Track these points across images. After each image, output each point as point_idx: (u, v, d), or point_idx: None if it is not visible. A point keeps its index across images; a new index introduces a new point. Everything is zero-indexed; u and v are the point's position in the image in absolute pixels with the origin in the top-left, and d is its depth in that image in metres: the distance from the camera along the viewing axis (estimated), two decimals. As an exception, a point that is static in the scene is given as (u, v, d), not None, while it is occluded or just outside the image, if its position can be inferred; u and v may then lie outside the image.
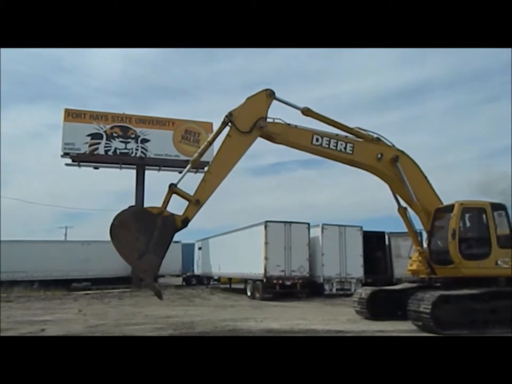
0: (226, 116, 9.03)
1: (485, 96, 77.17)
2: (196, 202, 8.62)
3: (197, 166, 9.07)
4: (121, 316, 11.61)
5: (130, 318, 10.92)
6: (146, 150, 26.05)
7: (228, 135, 9.04)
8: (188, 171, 9.01)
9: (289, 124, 9.59)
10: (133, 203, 25.82)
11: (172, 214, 8.41)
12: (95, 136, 25.34)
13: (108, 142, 25.53)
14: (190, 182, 9.24)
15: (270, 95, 9.26)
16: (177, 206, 8.70)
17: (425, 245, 10.47)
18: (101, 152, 25.34)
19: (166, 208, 8.51)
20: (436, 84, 75.58)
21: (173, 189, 8.60)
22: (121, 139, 25.77)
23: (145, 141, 26.14)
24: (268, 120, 9.35)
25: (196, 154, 9.15)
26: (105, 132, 25.57)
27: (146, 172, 26.59)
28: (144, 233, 8.03)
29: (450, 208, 9.76)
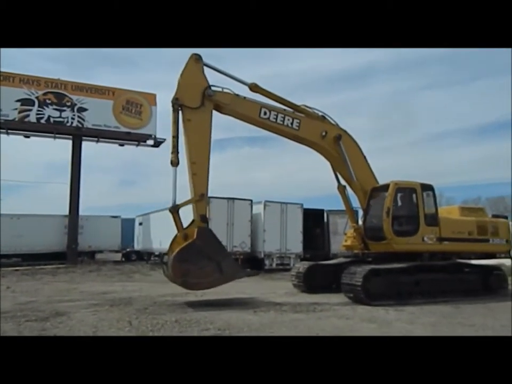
0: (173, 103, 8.79)
1: (424, 83, 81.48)
2: (201, 197, 8.64)
3: (176, 164, 8.76)
4: (55, 292, 11.10)
5: (64, 295, 10.47)
6: (83, 120, 24.48)
7: (185, 119, 8.81)
8: (175, 175, 8.75)
9: (237, 95, 9.52)
10: (68, 175, 24.53)
11: (192, 225, 8.61)
12: (26, 102, 23.33)
13: (40, 109, 23.63)
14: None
15: (197, 59, 9.00)
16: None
17: (360, 222, 11.02)
18: (32, 119, 23.43)
19: (184, 227, 8.68)
20: (379, 68, 78.36)
21: (174, 210, 8.62)
22: (55, 106, 23.95)
23: (82, 109, 24.52)
24: (216, 89, 9.20)
25: (171, 155, 8.75)
26: (37, 98, 23.60)
27: (84, 143, 25.12)
28: (202, 259, 8.20)
29: (385, 187, 10.30)
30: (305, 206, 20.59)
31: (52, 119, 23.86)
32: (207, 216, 13.10)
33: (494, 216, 12.75)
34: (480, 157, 79.79)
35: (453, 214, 11.33)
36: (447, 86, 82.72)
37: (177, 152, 8.78)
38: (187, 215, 8.86)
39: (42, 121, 23.69)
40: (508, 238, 11.58)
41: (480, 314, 7.90)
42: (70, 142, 24.82)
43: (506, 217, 12.97)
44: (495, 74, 79.73)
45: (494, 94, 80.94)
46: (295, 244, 19.61)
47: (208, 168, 8.84)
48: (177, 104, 8.79)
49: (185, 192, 8.87)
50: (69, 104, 24.30)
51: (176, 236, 8.79)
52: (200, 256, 8.19)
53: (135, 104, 26.01)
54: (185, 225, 8.69)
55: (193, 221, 8.72)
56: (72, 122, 24.31)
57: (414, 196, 10.29)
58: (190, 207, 8.82)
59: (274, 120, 9.83)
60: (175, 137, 8.82)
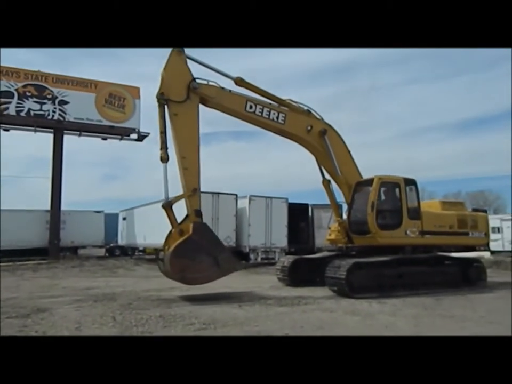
0: (158, 98, 8.70)
1: (407, 78, 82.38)
2: (194, 192, 8.58)
3: (166, 160, 8.65)
4: (36, 288, 10.91)
5: (46, 291, 10.31)
6: (65, 113, 24.00)
7: (172, 114, 8.72)
8: (165, 171, 8.65)
9: (223, 88, 9.46)
10: (50, 170, 24.06)
11: (187, 220, 8.58)
12: (5, 94, 22.71)
13: (20, 101, 23.06)
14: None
15: (179, 52, 8.87)
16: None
17: (345, 216, 11.12)
18: (11, 112, 22.85)
19: (178, 223, 8.61)
20: (364, 63, 78.89)
21: (167, 206, 8.56)
22: (35, 99, 23.40)
23: (63, 102, 24.02)
24: (202, 81, 9.14)
25: (160, 151, 8.65)
26: (16, 90, 23.02)
27: (65, 137, 24.63)
28: (199, 253, 8.22)
29: (369, 182, 10.41)
30: (290, 201, 20.69)
31: (32, 112, 23.31)
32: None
33: (474, 210, 13.07)
34: (461, 152, 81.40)
35: (435, 208, 11.54)
36: (430, 81, 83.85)
37: (166, 148, 8.69)
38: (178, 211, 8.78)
39: (22, 114, 23.13)
40: (487, 231, 11.88)
41: (460, 306, 8.08)
42: (51, 135, 24.32)
43: (485, 211, 13.30)
44: (477, 70, 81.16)
45: (476, 89, 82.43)
46: (280, 238, 19.70)
47: (199, 162, 8.80)
48: (162, 99, 8.69)
49: (171, 187, 8.82)
50: (49, 96, 23.77)
51: (171, 232, 8.76)
52: (197, 251, 8.20)
53: (118, 98, 25.61)
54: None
55: (187, 216, 8.69)
56: (53, 116, 23.81)
57: (397, 190, 10.44)
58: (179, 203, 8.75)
59: (260, 114, 9.81)
60: (163, 132, 8.72)
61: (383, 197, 10.68)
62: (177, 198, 8.74)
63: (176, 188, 8.84)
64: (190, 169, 8.69)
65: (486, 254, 20.97)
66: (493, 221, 23.76)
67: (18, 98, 23.05)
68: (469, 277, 10.86)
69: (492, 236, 16.46)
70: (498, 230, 27.30)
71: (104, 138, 26.49)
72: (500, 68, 76.13)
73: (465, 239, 11.34)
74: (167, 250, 8.59)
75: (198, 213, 8.65)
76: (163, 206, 8.59)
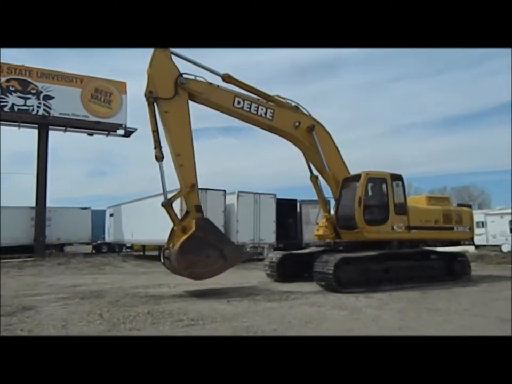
0: (147, 97, 8.65)
1: (394, 75, 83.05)
2: (192, 188, 8.63)
3: (161, 159, 8.65)
4: (21, 286, 10.76)
5: (32, 289, 10.18)
6: (49, 108, 23.58)
7: (162, 112, 8.67)
8: (161, 169, 8.70)
9: (211, 83, 9.42)
10: (35, 166, 23.69)
11: (188, 216, 8.63)
12: (-13, 89, 22.32)
13: (3, 96, 22.57)
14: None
15: (162, 48, 8.76)
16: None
17: (332, 211, 11.19)
18: (-6, 107, 22.44)
19: (181, 220, 8.69)
20: (351, 59, 79.26)
21: (167, 205, 8.55)
22: (19, 94, 22.94)
23: (48, 97, 23.59)
24: (189, 77, 9.08)
25: (154, 150, 8.61)
26: (-1, 84, 22.62)
27: (51, 132, 24.23)
28: (204, 248, 8.33)
29: (357, 177, 10.48)
30: (278, 196, 20.77)
31: (15, 107, 22.87)
32: (181, 207, 13.05)
33: (459, 205, 13.26)
34: (446, 148, 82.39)
35: (421, 203, 11.69)
36: (416, 79, 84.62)
37: (160, 147, 8.66)
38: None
39: (6, 109, 22.66)
40: (471, 225, 12.09)
41: (445, 299, 8.22)
42: (36, 131, 23.90)
43: (470, 206, 13.53)
44: (461, 68, 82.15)
45: (460, 87, 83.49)
46: (269, 234, 19.77)
47: (194, 158, 8.79)
48: (151, 97, 8.64)
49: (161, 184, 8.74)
50: (34, 91, 23.33)
51: (173, 229, 8.78)
52: (203, 246, 8.32)
53: (104, 93, 25.25)
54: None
55: (187, 212, 8.74)
56: (37, 111, 23.39)
57: (384, 185, 10.54)
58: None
59: (248, 109, 9.80)
60: (155, 131, 8.67)
61: (370, 193, 10.78)
62: (177, 196, 8.79)
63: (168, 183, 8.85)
64: (186, 165, 8.68)
65: (471, 248, 21.35)
66: (477, 216, 24.18)
67: (1, 93, 22.56)
68: (453, 270, 11.05)
69: (476, 231, 16.75)
70: (482, 224, 27.78)
71: (90, 134, 26.11)
72: (483, 66, 77.24)
73: (451, 234, 11.53)
74: (171, 248, 8.62)
75: (199, 208, 8.72)
76: (163, 205, 8.57)
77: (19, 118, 23.31)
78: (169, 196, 8.73)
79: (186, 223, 8.58)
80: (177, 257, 8.18)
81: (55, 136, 25.19)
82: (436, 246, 11.64)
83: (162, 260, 9.81)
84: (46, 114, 23.54)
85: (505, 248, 25.97)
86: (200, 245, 8.29)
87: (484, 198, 62.03)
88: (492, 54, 72.21)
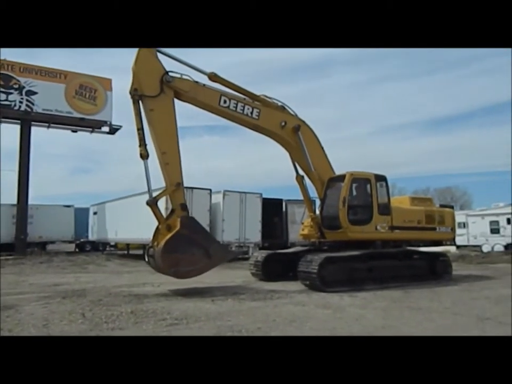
0: (132, 95, 8.57)
1: (383, 74, 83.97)
2: (177, 186, 8.57)
3: (146, 157, 8.59)
4: (2, 285, 10.51)
5: (13, 287, 9.98)
6: (32, 104, 23.14)
7: (148, 110, 8.61)
8: (146, 167, 8.64)
9: (197, 82, 9.40)
10: (17, 163, 23.20)
11: (173, 215, 8.59)
12: (-32, 83, 21.80)
13: (-16, 91, 22.14)
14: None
15: None
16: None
17: (318, 211, 11.27)
18: (-26, 102, 21.93)
19: (166, 218, 8.64)
20: (340, 59, 79.82)
21: (152, 203, 8.53)
22: (1, 89, 22.45)
23: (31, 93, 23.15)
24: (175, 75, 9.04)
25: (139, 148, 8.53)
26: (-20, 79, 22.08)
27: (33, 128, 23.77)
28: (189, 247, 8.31)
29: (342, 178, 10.56)
30: (264, 196, 20.78)
31: (-3, 102, 22.39)
32: (166, 206, 12.97)
33: (441, 206, 13.49)
34: (430, 150, 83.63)
35: (404, 203, 11.86)
36: (402, 79, 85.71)
37: (145, 145, 8.60)
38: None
39: (-13, 104, 22.19)
40: (453, 226, 12.32)
41: (427, 298, 8.36)
42: (18, 127, 23.41)
43: (452, 207, 13.79)
44: (448, 69, 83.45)
45: (445, 88, 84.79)
46: (254, 233, 19.78)
47: (179, 156, 8.75)
48: (136, 95, 8.56)
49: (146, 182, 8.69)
50: (16, 86, 22.86)
51: (158, 228, 8.72)
52: (188, 244, 8.28)
53: (89, 89, 24.91)
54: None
55: (172, 210, 8.69)
56: (20, 106, 22.93)
57: (368, 186, 10.65)
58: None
59: (234, 109, 9.79)
60: (140, 129, 8.61)
61: (354, 193, 10.88)
62: (162, 194, 8.77)
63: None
64: (172, 163, 8.63)
65: (452, 248, 21.76)
66: (459, 217, 24.62)
67: (-18, 88, 22.08)
68: (435, 270, 11.24)
69: (458, 231, 17.05)
70: (464, 225, 28.31)
71: (74, 131, 25.75)
72: (470, 67, 78.70)
73: (433, 234, 11.72)
74: (156, 246, 8.56)
75: (184, 207, 8.67)
76: (148, 203, 8.53)
77: (0, 113, 22.80)
78: (155, 194, 8.70)
79: (171, 222, 8.54)
80: (162, 256, 8.13)
81: (38, 133, 24.80)
82: (419, 246, 11.83)
83: (146, 258, 9.73)
84: (29, 110, 23.10)
85: (485, 249, 26.56)
86: (185, 243, 8.26)
87: (465, 199, 63.38)
88: (477, 56, 73.70)
